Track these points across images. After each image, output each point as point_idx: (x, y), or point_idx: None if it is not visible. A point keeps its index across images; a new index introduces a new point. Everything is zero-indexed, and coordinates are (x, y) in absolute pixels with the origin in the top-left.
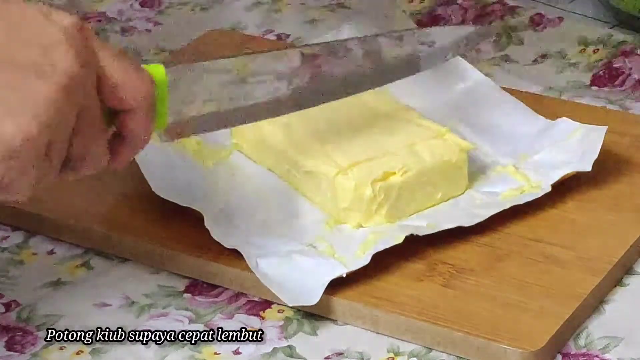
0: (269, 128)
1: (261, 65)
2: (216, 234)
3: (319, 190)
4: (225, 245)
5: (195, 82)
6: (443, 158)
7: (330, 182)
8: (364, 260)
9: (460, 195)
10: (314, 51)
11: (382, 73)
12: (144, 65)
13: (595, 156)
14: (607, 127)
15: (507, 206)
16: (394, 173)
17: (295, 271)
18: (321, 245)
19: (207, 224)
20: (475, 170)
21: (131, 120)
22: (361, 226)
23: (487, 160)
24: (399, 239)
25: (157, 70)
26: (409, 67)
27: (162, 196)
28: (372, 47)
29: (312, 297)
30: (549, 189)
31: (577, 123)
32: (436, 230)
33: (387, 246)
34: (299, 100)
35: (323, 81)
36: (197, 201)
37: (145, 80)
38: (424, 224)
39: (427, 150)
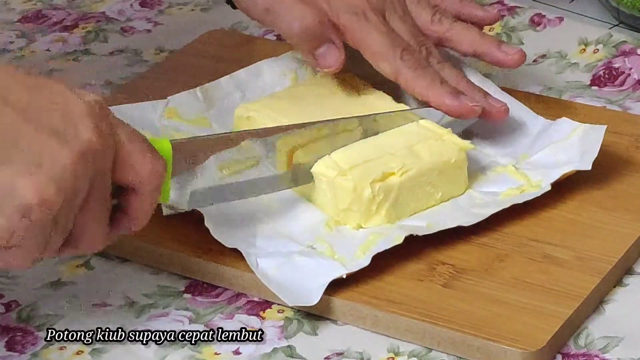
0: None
1: (262, 141)
2: (216, 234)
3: (319, 191)
4: (226, 245)
5: (196, 156)
6: (442, 158)
7: (330, 183)
8: (364, 261)
9: (460, 195)
10: (312, 129)
11: None
12: (150, 139)
13: (595, 155)
14: (606, 126)
15: (507, 205)
16: (393, 173)
17: (295, 272)
18: (321, 246)
19: (207, 223)
20: (475, 171)
21: (137, 199)
22: (361, 227)
23: (486, 160)
24: (398, 239)
25: (163, 145)
26: None
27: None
28: (370, 127)
29: (312, 297)
30: (549, 188)
31: (577, 122)
32: (436, 231)
33: (387, 247)
34: (297, 177)
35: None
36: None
37: (157, 161)
38: (424, 224)
39: (427, 151)
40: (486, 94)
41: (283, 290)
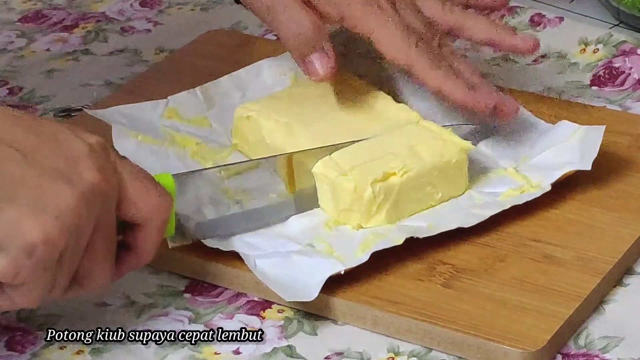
0: (269, 128)
1: (263, 172)
2: (211, 242)
3: (320, 191)
4: (224, 250)
5: (198, 189)
6: (443, 158)
7: (330, 183)
8: (363, 258)
9: (459, 195)
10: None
11: None
12: (154, 176)
13: (595, 155)
14: (605, 126)
15: (507, 206)
16: (394, 173)
17: (294, 269)
18: (320, 245)
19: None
20: (475, 172)
21: (142, 235)
22: (361, 227)
23: (486, 162)
24: (398, 240)
25: (166, 180)
26: None
27: None
28: None
29: (311, 293)
30: (549, 188)
31: (577, 125)
32: (436, 233)
33: (387, 246)
34: (302, 204)
35: None
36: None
37: (164, 198)
38: (424, 224)
39: (427, 151)
40: (498, 89)
41: (281, 286)
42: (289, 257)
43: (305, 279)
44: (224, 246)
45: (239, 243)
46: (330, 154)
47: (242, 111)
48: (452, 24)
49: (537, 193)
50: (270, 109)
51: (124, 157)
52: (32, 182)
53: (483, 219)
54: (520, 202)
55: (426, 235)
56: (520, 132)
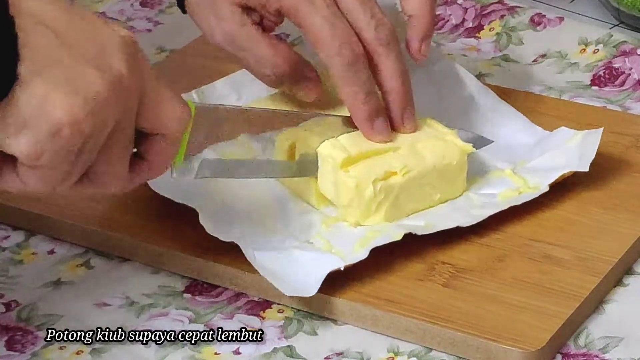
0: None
1: (278, 123)
2: (211, 229)
3: (324, 173)
4: (222, 239)
5: (214, 125)
6: (444, 160)
7: (335, 174)
8: (363, 254)
9: (457, 197)
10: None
11: None
12: None
13: (593, 157)
14: (603, 128)
15: (505, 207)
16: (395, 173)
17: (293, 264)
18: (318, 242)
19: (202, 220)
20: (474, 174)
21: (159, 145)
22: (359, 224)
23: (485, 165)
24: (397, 236)
25: (189, 106)
26: None
27: (157, 191)
28: None
29: (310, 289)
30: (547, 189)
31: (574, 131)
32: (434, 231)
33: (386, 242)
34: (305, 168)
35: None
36: (193, 198)
37: (184, 109)
38: (422, 223)
39: (429, 151)
40: (411, 107)
41: (281, 281)
42: (289, 252)
43: (305, 274)
44: (223, 237)
45: (237, 235)
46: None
47: None
48: (370, 51)
49: (535, 194)
50: None
51: (149, 63)
52: (63, 61)
53: (481, 219)
54: (518, 203)
55: (424, 233)
56: (518, 137)
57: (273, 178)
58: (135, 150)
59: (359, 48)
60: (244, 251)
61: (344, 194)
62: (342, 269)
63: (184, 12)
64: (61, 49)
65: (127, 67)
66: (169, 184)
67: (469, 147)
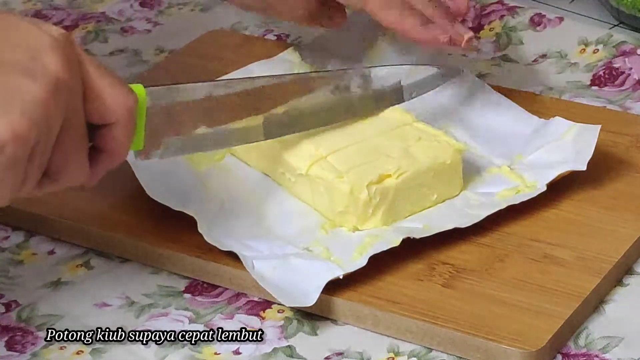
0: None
1: (236, 93)
2: (210, 238)
3: (316, 193)
4: (221, 248)
5: (171, 105)
6: (437, 160)
7: (327, 185)
8: (361, 262)
9: (455, 196)
10: (287, 80)
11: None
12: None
13: (590, 155)
14: (600, 125)
15: (503, 206)
16: (389, 175)
17: (292, 273)
18: (317, 249)
19: (201, 229)
20: (470, 172)
21: (111, 133)
22: (357, 229)
23: (481, 161)
24: (395, 242)
25: (137, 89)
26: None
27: (156, 199)
28: (342, 84)
29: (309, 298)
30: (544, 188)
31: (571, 122)
32: (432, 233)
33: (384, 249)
34: (271, 130)
35: (296, 113)
36: (191, 204)
37: (128, 94)
38: (420, 225)
39: (422, 152)
40: (454, 19)
41: (280, 291)
42: (287, 260)
43: (304, 284)
44: (221, 245)
45: (236, 244)
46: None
47: None
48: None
49: (533, 193)
50: None
51: (88, 55)
52: None
53: (479, 219)
54: (516, 202)
55: (422, 236)
56: (513, 128)
57: (243, 144)
58: (92, 143)
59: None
60: (242, 261)
61: (338, 201)
62: (341, 277)
63: None
64: None
65: (62, 66)
66: (166, 190)
67: (462, 145)
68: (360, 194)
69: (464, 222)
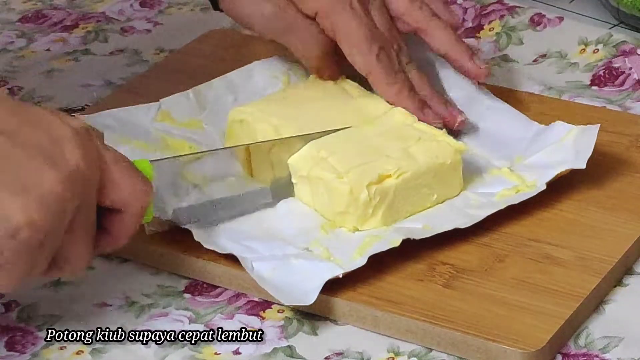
0: (262, 131)
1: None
2: (208, 243)
3: (316, 194)
4: (220, 252)
5: (176, 176)
6: (438, 160)
7: (327, 186)
8: (360, 261)
9: (455, 196)
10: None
11: None
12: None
13: (590, 153)
14: (599, 125)
15: (503, 206)
16: (389, 176)
17: (291, 273)
18: (317, 249)
19: (198, 238)
20: (470, 173)
21: (121, 219)
22: (357, 229)
23: (481, 162)
24: (395, 242)
25: (144, 165)
26: None
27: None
28: None
29: (309, 297)
30: (544, 187)
31: (571, 125)
32: (432, 234)
33: (384, 249)
34: (278, 191)
35: None
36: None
37: (145, 185)
38: (420, 225)
39: (422, 153)
40: (446, 101)
41: (279, 290)
42: (287, 261)
43: (304, 283)
44: (220, 249)
45: (235, 245)
46: (305, 143)
47: (235, 114)
48: (417, 24)
49: (532, 192)
50: (264, 112)
51: (105, 144)
52: (16, 162)
53: (479, 220)
54: (516, 202)
55: (422, 237)
56: (514, 133)
57: (252, 213)
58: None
59: (389, 45)
60: (242, 263)
61: (338, 201)
62: (340, 276)
63: (216, 8)
64: (13, 149)
65: (81, 157)
66: None
67: (462, 145)
68: (360, 194)
69: (464, 223)
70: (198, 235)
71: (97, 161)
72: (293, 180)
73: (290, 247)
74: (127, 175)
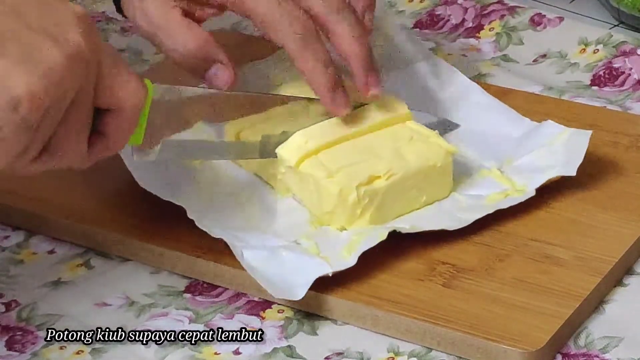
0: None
1: (237, 106)
2: (201, 224)
3: (306, 191)
4: (211, 234)
5: (173, 103)
6: (428, 162)
7: (317, 184)
8: (350, 261)
9: (444, 198)
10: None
11: None
12: None
13: (581, 160)
14: (591, 131)
15: (492, 210)
16: (379, 177)
17: (281, 265)
18: (306, 243)
19: (191, 215)
20: (460, 174)
21: (116, 120)
22: (344, 229)
23: (471, 164)
24: (382, 236)
25: (145, 83)
26: None
27: (145, 188)
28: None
29: (298, 292)
30: (533, 193)
31: (562, 126)
32: (419, 230)
33: (371, 245)
34: (266, 150)
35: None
36: (180, 196)
37: (139, 85)
38: (407, 226)
39: (413, 154)
40: (371, 68)
41: (269, 283)
42: (277, 252)
43: (293, 278)
44: (212, 232)
45: (226, 234)
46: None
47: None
48: (323, 22)
49: (522, 197)
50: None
51: (104, 41)
52: (21, 35)
53: (467, 223)
54: (505, 207)
55: (409, 232)
56: (504, 131)
57: (233, 159)
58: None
59: (309, 22)
60: (232, 249)
61: (327, 201)
62: (330, 274)
63: (119, 11)
64: (17, 22)
65: (84, 39)
66: (156, 180)
67: (453, 148)
68: (349, 196)
69: (453, 225)
70: (191, 214)
71: (97, 50)
72: (281, 170)
73: (279, 239)
74: (123, 72)
